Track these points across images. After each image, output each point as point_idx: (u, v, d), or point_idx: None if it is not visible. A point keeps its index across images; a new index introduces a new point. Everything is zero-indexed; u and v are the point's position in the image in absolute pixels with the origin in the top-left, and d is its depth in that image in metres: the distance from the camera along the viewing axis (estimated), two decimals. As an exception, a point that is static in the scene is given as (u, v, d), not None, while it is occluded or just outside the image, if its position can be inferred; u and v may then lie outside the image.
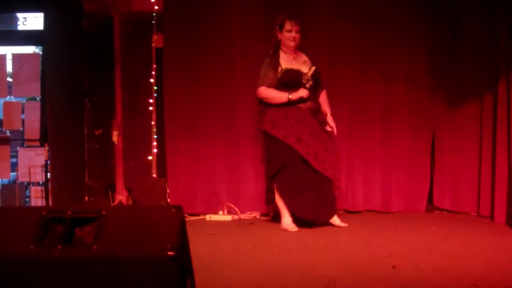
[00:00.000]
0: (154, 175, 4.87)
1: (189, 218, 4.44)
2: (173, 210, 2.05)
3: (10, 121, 5.38)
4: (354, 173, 4.80)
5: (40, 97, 5.19)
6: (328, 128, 4.18)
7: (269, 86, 4.03)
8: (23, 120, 5.45)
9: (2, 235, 2.03)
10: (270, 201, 4.23)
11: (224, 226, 4.35)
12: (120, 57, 5.00)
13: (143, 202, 4.79)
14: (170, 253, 1.89)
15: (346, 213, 4.76)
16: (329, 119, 4.19)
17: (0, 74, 5.35)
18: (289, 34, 4.05)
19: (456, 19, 4.67)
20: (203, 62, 4.82)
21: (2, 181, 6.28)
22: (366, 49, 4.76)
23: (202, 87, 4.83)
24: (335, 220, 4.14)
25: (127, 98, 5.01)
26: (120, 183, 5.01)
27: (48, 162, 4.63)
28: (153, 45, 4.85)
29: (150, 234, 1.98)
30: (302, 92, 3.98)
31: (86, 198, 4.72)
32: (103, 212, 2.04)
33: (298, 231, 4.00)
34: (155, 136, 4.87)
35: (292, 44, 4.07)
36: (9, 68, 5.60)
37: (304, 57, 4.15)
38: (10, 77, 5.54)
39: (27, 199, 5.58)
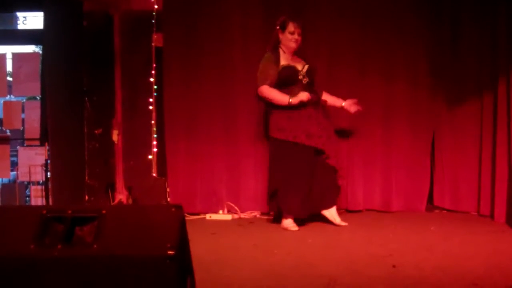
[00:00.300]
0: (154, 174, 4.86)
1: (189, 218, 4.44)
2: (173, 209, 2.05)
3: (10, 120, 5.39)
4: (354, 172, 4.80)
5: (40, 96, 5.19)
6: (354, 108, 4.21)
7: (270, 84, 4.03)
8: (23, 119, 5.46)
9: (2, 235, 2.03)
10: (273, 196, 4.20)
11: (224, 225, 4.35)
12: (120, 57, 5.00)
13: (143, 201, 4.79)
14: (170, 252, 1.89)
15: (346, 212, 4.76)
16: (347, 104, 4.22)
17: (0, 73, 5.36)
18: (292, 36, 4.05)
19: (456, 19, 4.67)
20: (203, 61, 4.82)
21: (2, 180, 6.29)
22: (366, 49, 4.76)
23: (202, 86, 4.83)
24: (335, 218, 4.15)
25: (127, 97, 5.01)
26: (120, 182, 5.01)
27: (48, 161, 4.63)
28: (153, 44, 4.85)
29: (150, 233, 1.98)
30: (303, 95, 3.96)
31: (86, 197, 4.72)
32: (103, 211, 2.04)
33: (298, 230, 4.00)
34: (155, 136, 4.87)
35: (293, 46, 4.08)
36: (9, 67, 5.61)
37: (299, 59, 4.17)
38: (10, 76, 5.54)
39: (27, 198, 5.58)
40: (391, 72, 4.77)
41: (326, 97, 4.28)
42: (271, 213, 4.61)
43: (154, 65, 4.85)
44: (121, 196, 4.97)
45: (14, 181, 5.74)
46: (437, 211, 4.78)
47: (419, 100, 4.77)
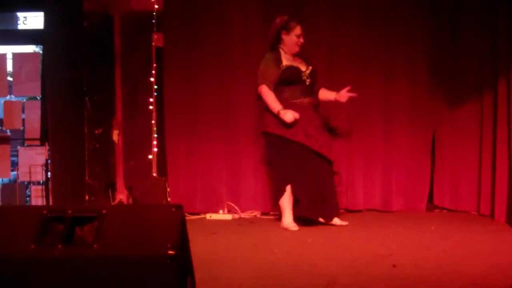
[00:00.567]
0: (154, 174, 4.87)
1: (189, 217, 4.44)
2: (173, 209, 2.05)
3: (11, 120, 5.39)
4: (354, 172, 4.80)
5: (40, 96, 5.19)
6: (346, 97, 4.13)
7: (270, 84, 4.02)
8: (23, 119, 5.45)
9: (3, 235, 2.03)
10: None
11: (224, 225, 4.35)
12: (120, 56, 5.00)
13: (144, 201, 4.80)
14: (170, 252, 1.89)
15: (347, 212, 4.77)
16: (338, 95, 4.16)
17: (0, 73, 5.36)
18: (298, 39, 4.06)
19: (456, 17, 4.67)
20: (203, 61, 4.82)
21: (2, 180, 6.29)
22: (366, 48, 4.76)
23: (202, 86, 4.83)
24: (336, 220, 4.15)
25: (127, 97, 5.01)
26: (120, 182, 5.01)
27: (49, 161, 4.63)
28: (153, 44, 4.85)
29: (150, 233, 1.98)
30: (289, 116, 3.90)
31: (87, 197, 4.72)
32: (104, 211, 2.04)
33: (298, 230, 4.01)
34: (155, 135, 4.87)
35: (297, 49, 4.09)
36: (9, 67, 5.61)
37: (300, 60, 4.17)
38: (11, 77, 5.54)
39: (28, 198, 5.58)
40: (391, 71, 4.78)
41: (322, 94, 4.25)
42: (271, 212, 4.62)
43: (154, 65, 4.85)
44: (121, 196, 4.97)
45: (15, 181, 5.74)
46: (437, 210, 4.78)
47: (419, 99, 4.77)
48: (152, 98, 4.86)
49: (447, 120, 4.75)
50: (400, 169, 4.79)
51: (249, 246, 3.56)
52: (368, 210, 4.81)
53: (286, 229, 4.04)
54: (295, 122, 3.94)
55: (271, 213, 4.69)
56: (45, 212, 2.06)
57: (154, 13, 4.85)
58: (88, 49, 4.79)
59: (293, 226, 4.03)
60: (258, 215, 4.68)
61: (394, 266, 2.93)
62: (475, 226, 4.08)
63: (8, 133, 5.96)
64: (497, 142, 4.28)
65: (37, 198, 5.10)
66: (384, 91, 4.79)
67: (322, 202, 4.06)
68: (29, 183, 5.31)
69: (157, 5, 4.86)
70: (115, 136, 4.99)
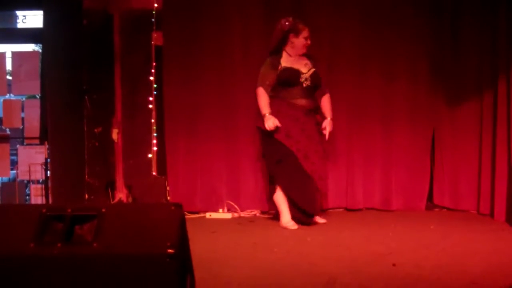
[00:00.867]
0: (154, 173, 4.86)
1: (189, 216, 4.44)
2: (173, 208, 2.05)
3: (10, 119, 5.39)
4: (354, 170, 4.80)
5: (39, 95, 5.19)
6: (322, 129, 4.17)
7: (267, 86, 4.10)
8: (23, 118, 5.45)
9: (2, 233, 2.03)
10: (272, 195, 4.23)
11: (224, 224, 4.35)
12: (120, 55, 4.99)
13: (143, 200, 4.79)
14: (170, 250, 1.89)
15: (346, 211, 4.77)
16: (326, 122, 4.18)
17: (-1, 72, 5.36)
18: (306, 41, 4.13)
19: (456, 17, 4.67)
20: (203, 60, 4.82)
21: (2, 179, 6.29)
22: (366, 47, 4.75)
23: (202, 84, 4.83)
24: (317, 217, 4.20)
25: (127, 96, 5.01)
26: (120, 181, 5.01)
27: (48, 160, 4.63)
28: (152, 43, 4.85)
29: (150, 232, 1.98)
30: (269, 124, 3.96)
31: (86, 196, 4.72)
32: (103, 210, 2.04)
33: (297, 228, 4.01)
34: (155, 134, 4.86)
35: (304, 50, 4.16)
36: (8, 66, 5.60)
37: (306, 60, 4.19)
38: (10, 75, 5.54)
39: (27, 197, 5.58)
40: (391, 71, 4.77)
41: (324, 103, 4.25)
42: (272, 211, 4.62)
43: (154, 63, 4.84)
44: (121, 194, 4.96)
45: (14, 180, 5.74)
46: (437, 209, 4.78)
47: (419, 98, 4.77)
48: (151, 97, 4.85)
49: (447, 119, 4.75)
50: (400, 168, 4.79)
51: (249, 245, 3.56)
52: (367, 209, 4.81)
53: (285, 228, 4.04)
54: (276, 129, 3.99)
55: (270, 211, 4.68)
56: (44, 210, 2.06)
57: (154, 12, 4.84)
58: (88, 48, 4.78)
59: (292, 225, 4.04)
60: (257, 214, 4.68)
61: (393, 265, 2.93)
62: (475, 225, 4.08)
63: (8, 132, 5.96)
64: (497, 141, 4.28)
65: (36, 197, 5.10)
66: (384, 90, 4.78)
67: (313, 196, 4.09)
68: (28, 182, 5.31)
69: (157, 3, 4.85)
70: (115, 135, 4.98)
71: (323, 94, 4.27)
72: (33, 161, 5.08)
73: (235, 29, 4.81)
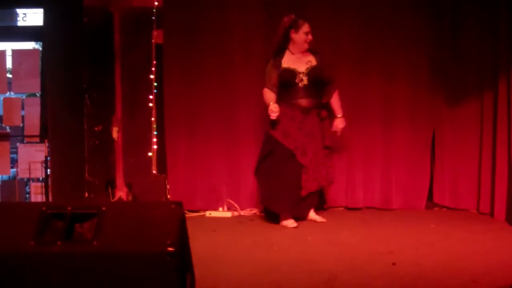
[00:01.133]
0: (154, 172, 4.86)
1: (189, 215, 4.44)
2: (173, 206, 2.05)
3: (10, 117, 5.38)
4: (354, 170, 4.80)
5: (40, 93, 5.19)
6: (333, 129, 4.21)
7: (272, 86, 4.15)
8: (23, 116, 5.45)
9: (2, 231, 2.03)
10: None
11: (224, 222, 4.35)
12: (120, 53, 4.99)
13: (143, 198, 4.79)
14: (170, 248, 1.89)
15: (346, 210, 4.77)
16: (338, 120, 4.24)
17: (0, 70, 5.35)
18: (306, 36, 4.12)
19: (457, 17, 4.66)
20: (203, 58, 4.81)
21: (2, 177, 6.29)
22: (366, 47, 4.75)
23: (203, 83, 4.82)
24: (314, 216, 4.19)
25: (127, 94, 5.01)
26: (120, 179, 5.01)
27: (48, 158, 4.62)
28: (153, 41, 4.84)
29: (150, 230, 1.98)
30: (271, 110, 4.01)
31: (86, 194, 4.72)
32: (103, 208, 2.04)
33: (298, 227, 4.01)
34: (155, 133, 4.86)
35: (306, 46, 4.15)
36: (8, 64, 5.60)
37: (310, 57, 4.19)
38: (10, 73, 5.53)
39: (27, 195, 5.58)
40: (391, 71, 4.77)
41: (333, 100, 4.28)
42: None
43: (154, 62, 4.84)
44: (121, 193, 4.97)
45: (14, 178, 5.74)
46: (437, 208, 4.78)
47: (419, 98, 4.77)
48: (152, 95, 4.85)
49: (447, 119, 4.75)
50: (400, 167, 4.79)
51: (249, 243, 3.56)
52: (368, 208, 4.81)
53: (285, 227, 4.04)
54: (278, 120, 4.05)
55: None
56: (44, 208, 2.06)
57: (154, 10, 4.84)
58: (88, 46, 4.78)
59: (292, 223, 4.04)
60: (257, 213, 4.68)
61: (393, 264, 2.93)
62: (475, 224, 4.08)
63: (8, 130, 5.96)
64: (497, 141, 4.28)
65: (36, 195, 5.10)
66: (384, 90, 4.78)
67: (295, 200, 4.09)
68: (28, 180, 5.31)
69: (157, 1, 4.84)
70: (115, 133, 4.98)
71: (333, 91, 4.28)
72: (33, 159, 5.08)
73: (235, 27, 4.81)
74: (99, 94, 4.87)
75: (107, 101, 4.97)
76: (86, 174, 4.76)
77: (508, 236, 3.67)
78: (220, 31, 4.80)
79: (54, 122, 4.58)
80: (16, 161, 5.40)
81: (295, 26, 4.11)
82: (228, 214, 4.60)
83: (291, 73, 4.10)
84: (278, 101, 4.11)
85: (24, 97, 6.44)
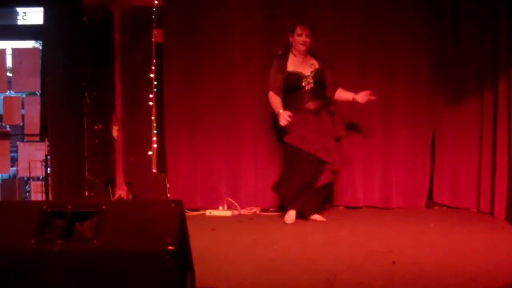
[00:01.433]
0: (154, 170, 4.86)
1: (189, 213, 4.44)
2: (173, 205, 2.05)
3: (10, 116, 5.38)
4: (355, 169, 4.80)
5: (40, 92, 5.19)
6: (365, 98, 4.23)
7: (277, 89, 4.20)
8: (23, 115, 5.45)
9: (2, 230, 2.03)
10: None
11: (224, 221, 4.35)
12: (120, 52, 4.99)
13: (143, 197, 4.79)
14: (170, 247, 1.89)
15: (346, 209, 4.77)
16: (358, 96, 4.25)
17: (0, 68, 5.35)
18: (300, 38, 4.17)
19: (457, 16, 4.66)
20: (203, 57, 4.81)
21: (2, 176, 6.29)
22: (366, 47, 4.75)
23: (202, 82, 4.82)
24: (315, 216, 4.21)
25: (127, 93, 5.01)
26: (120, 178, 5.01)
27: (48, 157, 4.62)
28: (153, 40, 4.84)
29: (150, 229, 1.98)
30: (282, 120, 4.11)
31: (86, 193, 4.72)
32: (103, 207, 2.04)
33: (298, 226, 4.02)
34: (155, 131, 4.86)
35: (302, 48, 4.20)
36: (9, 63, 5.60)
37: (312, 61, 4.25)
38: (10, 72, 5.53)
39: (27, 194, 5.58)
40: (391, 70, 4.77)
41: (339, 94, 4.33)
42: (271, 209, 4.63)
43: (154, 60, 4.84)
44: (121, 191, 4.97)
45: (14, 176, 5.74)
46: (437, 207, 4.78)
47: (419, 97, 4.77)
48: (152, 94, 4.85)
49: (447, 118, 4.74)
50: (400, 166, 4.79)
51: (249, 242, 3.56)
52: (367, 207, 4.81)
53: (285, 223, 4.10)
54: (290, 125, 4.10)
55: (270, 209, 4.69)
56: (45, 207, 2.06)
57: (154, 9, 4.84)
58: (88, 45, 4.78)
59: (289, 220, 4.10)
60: (257, 212, 4.68)
61: (393, 262, 2.93)
62: (475, 223, 4.08)
63: (8, 129, 5.96)
64: (497, 140, 4.28)
65: (36, 193, 5.09)
66: (384, 89, 4.77)
67: (306, 195, 4.13)
68: (28, 178, 5.31)
69: (157, 0, 4.84)
70: (115, 132, 4.98)
71: (335, 90, 4.32)
72: (33, 158, 5.08)
73: (235, 27, 4.80)
74: (99, 93, 4.87)
75: (107, 100, 4.97)
76: (86, 173, 4.76)
77: (508, 235, 3.67)
78: (220, 30, 4.80)
79: (54, 121, 4.58)
80: (16, 160, 5.40)
81: (292, 29, 4.20)
82: (228, 213, 4.61)
83: (297, 77, 4.17)
84: (286, 106, 4.17)
85: (24, 96, 6.44)
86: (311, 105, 4.17)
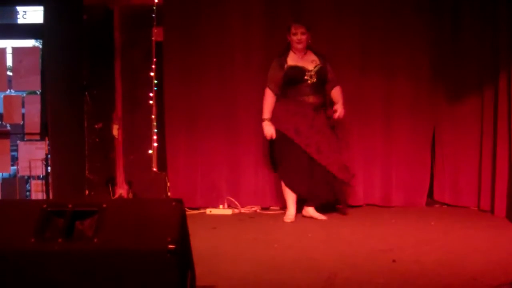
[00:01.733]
0: (154, 169, 4.87)
1: (189, 212, 4.44)
2: (173, 204, 2.05)
3: (10, 114, 5.37)
4: (355, 167, 4.77)
5: (40, 90, 5.18)
6: (337, 115, 4.25)
7: (274, 86, 4.23)
8: (23, 114, 5.44)
9: (3, 229, 2.03)
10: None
11: (225, 220, 4.35)
12: (120, 51, 4.99)
13: (143, 195, 4.79)
14: (170, 246, 1.89)
15: (347, 207, 4.76)
16: (337, 105, 4.28)
17: (0, 67, 5.34)
18: (295, 37, 4.22)
19: (457, 13, 4.66)
20: (204, 56, 4.81)
21: (2, 175, 6.28)
22: (366, 45, 4.74)
23: (203, 80, 4.82)
24: (314, 213, 4.22)
25: (127, 91, 5.00)
26: (120, 177, 5.01)
27: (49, 155, 4.62)
28: (153, 38, 4.84)
29: (150, 227, 1.98)
30: (265, 130, 4.22)
31: (87, 192, 4.72)
32: (104, 206, 2.05)
33: (298, 224, 4.02)
34: (155, 130, 4.86)
35: (298, 46, 4.23)
36: (9, 61, 5.59)
37: (313, 57, 4.27)
38: (10, 71, 5.53)
39: (28, 193, 5.58)
40: (391, 68, 4.76)
41: (334, 93, 4.34)
42: (271, 207, 4.63)
43: (154, 59, 4.84)
44: (122, 190, 4.97)
45: (15, 175, 5.74)
46: (437, 205, 4.78)
47: (419, 95, 4.76)
48: (152, 92, 4.85)
49: (448, 116, 4.74)
50: (400, 164, 4.79)
51: (249, 240, 3.57)
52: (368, 205, 4.81)
53: (285, 221, 4.11)
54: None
55: (271, 208, 4.69)
56: (45, 206, 2.06)
57: (154, 7, 4.83)
58: (88, 44, 4.77)
59: (288, 219, 4.11)
60: (258, 210, 4.69)
61: (394, 261, 2.94)
62: (475, 221, 4.09)
63: (8, 128, 5.96)
64: (498, 138, 4.27)
65: (37, 192, 5.09)
66: (384, 87, 4.77)
67: (308, 182, 4.17)
68: (29, 177, 5.30)
69: (157, -1, 4.84)
70: (115, 130, 4.98)
71: (334, 87, 4.33)
72: (33, 157, 5.07)
73: (235, 25, 4.80)
74: (99, 92, 4.87)
75: (107, 99, 4.97)
76: (87, 172, 4.77)
77: (509, 233, 3.68)
78: (220, 28, 4.79)
79: (55, 120, 4.58)
80: (17, 159, 5.39)
81: (288, 29, 4.24)
82: (229, 211, 4.61)
83: (300, 70, 4.19)
84: (285, 98, 4.20)
85: (24, 94, 6.43)
86: (310, 98, 4.18)
